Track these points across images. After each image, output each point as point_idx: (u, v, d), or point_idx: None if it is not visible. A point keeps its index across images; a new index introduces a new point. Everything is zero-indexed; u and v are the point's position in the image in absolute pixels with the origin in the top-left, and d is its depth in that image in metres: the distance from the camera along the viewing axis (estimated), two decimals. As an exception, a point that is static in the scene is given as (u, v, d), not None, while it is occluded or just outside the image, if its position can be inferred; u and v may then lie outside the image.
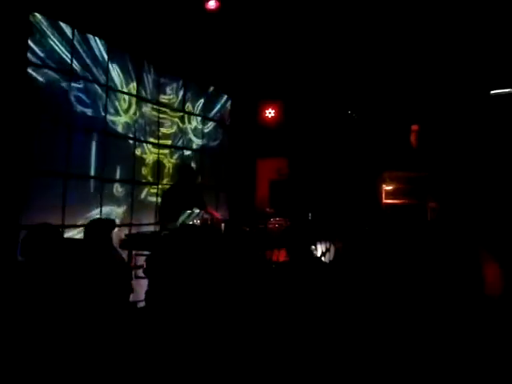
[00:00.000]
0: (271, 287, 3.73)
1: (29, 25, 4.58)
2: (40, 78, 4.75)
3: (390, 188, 8.12)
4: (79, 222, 5.03)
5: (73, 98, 5.12)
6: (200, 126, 7.31)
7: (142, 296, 4.61)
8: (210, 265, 3.92)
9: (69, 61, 5.07)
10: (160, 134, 6.49)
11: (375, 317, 3.40)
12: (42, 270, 3.16)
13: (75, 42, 5.15)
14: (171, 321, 3.38)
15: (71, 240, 4.64)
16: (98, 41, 5.46)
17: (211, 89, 7.53)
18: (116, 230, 4.71)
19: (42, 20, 4.77)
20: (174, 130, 6.77)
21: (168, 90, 6.65)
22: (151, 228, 5.90)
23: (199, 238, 4.33)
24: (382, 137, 8.17)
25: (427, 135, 8.16)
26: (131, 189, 5.94)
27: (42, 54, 4.76)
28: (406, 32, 6.71)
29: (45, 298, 3.06)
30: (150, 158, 6.33)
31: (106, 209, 5.51)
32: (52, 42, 4.89)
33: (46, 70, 4.81)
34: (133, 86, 6.01)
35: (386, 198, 8.08)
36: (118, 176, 5.76)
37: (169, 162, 6.63)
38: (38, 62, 4.72)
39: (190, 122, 7.11)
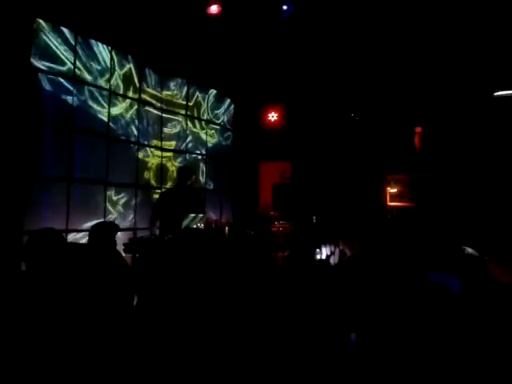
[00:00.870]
0: (276, 291, 3.71)
1: (32, 30, 4.59)
2: (43, 83, 4.76)
3: (394, 191, 8.10)
4: (83, 227, 5.03)
5: (75, 102, 5.12)
6: (203, 130, 7.31)
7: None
8: (213, 268, 3.90)
9: (71, 65, 5.08)
10: (163, 137, 6.49)
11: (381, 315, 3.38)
12: (44, 275, 3.14)
13: (78, 47, 5.16)
14: (175, 325, 3.37)
15: (75, 245, 4.63)
16: (101, 45, 5.47)
17: (214, 93, 7.54)
18: (119, 234, 4.71)
19: (45, 25, 4.79)
20: (177, 134, 6.77)
21: (170, 93, 6.66)
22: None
23: (203, 242, 4.31)
24: (386, 139, 8.16)
25: (431, 137, 8.14)
26: (134, 193, 5.94)
27: (44, 59, 4.76)
28: (409, 35, 6.70)
29: (47, 304, 3.05)
30: (154, 161, 6.33)
31: (109, 213, 5.51)
32: (55, 47, 4.90)
33: (48, 75, 4.82)
34: (135, 90, 6.02)
35: (390, 201, 8.07)
36: (121, 180, 5.76)
37: (172, 166, 6.63)
38: (41, 67, 4.73)
39: (193, 126, 7.12)
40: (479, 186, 7.25)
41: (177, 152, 6.74)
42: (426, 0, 6.04)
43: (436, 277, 3.18)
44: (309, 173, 8.11)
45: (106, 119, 5.54)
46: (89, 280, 3.41)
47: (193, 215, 5.03)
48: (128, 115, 5.90)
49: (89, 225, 5.07)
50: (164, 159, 6.50)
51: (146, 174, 6.23)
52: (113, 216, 5.55)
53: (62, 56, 4.98)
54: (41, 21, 4.73)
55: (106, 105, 5.54)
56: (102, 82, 5.49)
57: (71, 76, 5.07)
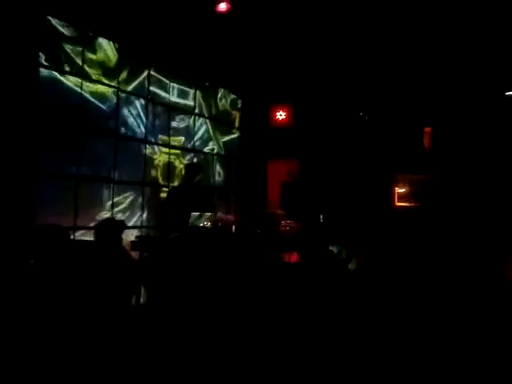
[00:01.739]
0: (283, 289, 3.69)
1: (40, 27, 4.59)
2: (51, 80, 4.76)
3: (402, 191, 8.04)
4: (90, 224, 5.03)
5: (83, 100, 5.12)
6: (210, 128, 7.29)
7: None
8: (220, 266, 3.89)
9: (80, 62, 5.08)
10: (171, 135, 6.48)
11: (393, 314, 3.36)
12: (51, 271, 3.15)
13: (86, 44, 5.16)
14: (181, 321, 3.36)
15: (81, 242, 4.64)
16: (108, 43, 5.46)
17: (222, 91, 7.52)
18: (126, 232, 4.70)
19: (54, 22, 4.79)
20: (184, 132, 6.76)
21: (179, 91, 6.64)
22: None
23: (209, 240, 4.30)
24: (395, 139, 8.10)
25: (440, 137, 8.07)
26: (141, 190, 5.93)
27: (52, 56, 4.76)
28: (420, 34, 6.64)
29: (54, 299, 3.05)
30: (161, 159, 6.33)
31: (116, 210, 5.51)
32: (63, 44, 4.90)
33: (56, 72, 4.82)
34: (143, 87, 6.01)
35: (398, 201, 8.00)
36: (128, 177, 5.75)
37: (180, 164, 6.62)
38: (49, 64, 4.73)
39: (200, 124, 7.10)
40: (489, 187, 7.17)
41: (184, 150, 6.73)
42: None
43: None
44: (317, 171, 8.07)
45: (113, 116, 5.53)
46: (94, 276, 3.41)
47: (199, 213, 5.01)
48: (135, 112, 5.89)
49: (96, 222, 5.10)
50: (172, 157, 6.49)
51: (154, 172, 6.22)
52: (119, 213, 5.55)
53: (69, 52, 4.97)
54: (50, 17, 4.72)
55: (113, 102, 5.53)
56: (109, 80, 5.48)
57: (78, 73, 5.06)
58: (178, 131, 6.63)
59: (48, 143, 4.68)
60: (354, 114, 8.26)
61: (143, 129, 5.99)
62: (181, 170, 6.56)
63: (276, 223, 5.67)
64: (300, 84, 7.79)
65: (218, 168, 7.39)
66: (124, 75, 5.69)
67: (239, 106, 7.94)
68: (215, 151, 7.37)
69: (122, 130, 5.67)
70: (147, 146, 6.06)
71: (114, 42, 5.50)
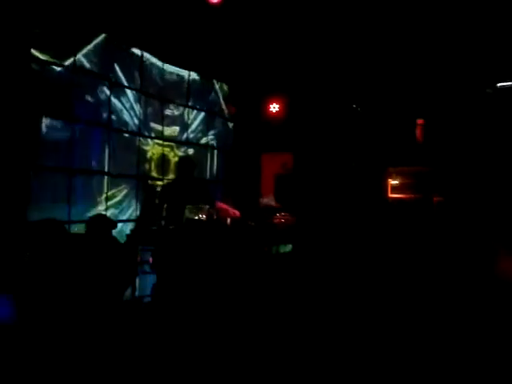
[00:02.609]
0: (275, 281, 3.71)
1: (32, 19, 4.54)
2: (44, 73, 4.72)
3: (395, 183, 8.08)
4: (85, 218, 5.03)
5: (76, 93, 5.09)
6: (204, 121, 7.27)
7: (148, 291, 4.61)
8: (215, 259, 3.90)
9: (72, 55, 5.04)
10: (164, 128, 6.46)
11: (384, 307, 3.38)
12: (46, 264, 3.14)
13: (78, 37, 5.11)
14: (177, 314, 3.37)
15: (76, 235, 4.62)
16: (99, 34, 5.41)
17: (215, 82, 7.49)
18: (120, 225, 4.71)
19: (46, 14, 4.73)
20: (177, 125, 6.74)
21: (171, 83, 6.61)
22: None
23: (205, 233, 4.31)
24: (388, 131, 8.12)
25: (433, 129, 8.10)
26: (136, 184, 5.92)
27: (45, 49, 4.71)
28: (411, 26, 6.65)
29: (48, 292, 3.05)
30: (155, 152, 6.31)
31: (110, 204, 5.49)
32: (55, 37, 4.85)
33: (49, 65, 4.78)
34: (136, 79, 5.97)
35: (391, 193, 8.04)
36: (122, 171, 5.73)
37: (173, 157, 6.61)
38: (42, 57, 4.69)
39: (194, 116, 7.08)
40: (482, 179, 7.22)
41: (178, 143, 6.72)
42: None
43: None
44: (311, 164, 8.08)
45: (106, 109, 5.50)
46: (88, 269, 3.41)
47: (194, 206, 5.01)
48: (129, 105, 5.86)
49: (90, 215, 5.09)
50: (165, 150, 6.47)
51: (147, 165, 6.20)
52: (113, 207, 5.53)
53: (62, 45, 4.92)
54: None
55: (106, 94, 5.49)
56: (101, 71, 5.43)
57: (71, 66, 5.01)
58: (170, 123, 6.60)
59: (40, 136, 4.64)
60: (347, 107, 8.27)
61: (136, 121, 5.96)
62: (174, 163, 6.55)
63: (270, 216, 5.70)
64: (293, 76, 7.77)
65: (211, 161, 7.38)
66: (114, 66, 5.64)
67: (233, 98, 7.91)
68: (209, 143, 7.36)
69: (115, 122, 5.64)
70: (141, 139, 6.04)
71: (104, 33, 5.43)
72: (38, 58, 4.62)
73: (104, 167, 5.44)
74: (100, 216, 4.08)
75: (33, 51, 4.55)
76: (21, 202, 4.25)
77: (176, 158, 6.57)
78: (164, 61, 6.41)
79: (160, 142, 6.40)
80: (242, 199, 7.50)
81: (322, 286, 3.75)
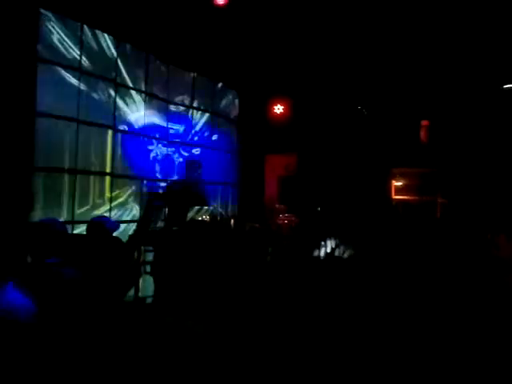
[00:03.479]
0: (277, 283, 3.71)
1: (37, 20, 4.56)
2: (48, 73, 4.73)
3: (399, 184, 8.06)
4: (88, 219, 5.04)
5: (81, 94, 5.10)
6: (209, 122, 7.28)
7: (151, 292, 4.61)
8: (218, 260, 3.90)
9: (77, 56, 5.06)
10: (169, 129, 6.47)
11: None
12: (49, 265, 3.15)
13: (83, 38, 5.13)
14: (179, 313, 3.37)
15: (77, 236, 4.63)
16: (106, 36, 5.43)
17: (220, 85, 7.50)
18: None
19: (50, 16, 4.75)
20: (182, 126, 6.75)
21: (177, 85, 6.62)
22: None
23: (208, 234, 4.32)
24: (392, 132, 8.11)
25: (437, 131, 8.08)
26: (140, 185, 5.93)
27: (50, 49, 4.73)
28: (416, 28, 6.62)
29: (50, 293, 3.05)
30: (159, 154, 6.32)
31: (114, 205, 5.51)
32: (60, 38, 4.87)
33: (53, 65, 4.79)
34: (141, 81, 5.99)
35: (395, 194, 8.03)
36: (126, 172, 5.75)
37: (178, 159, 6.62)
38: (46, 57, 4.70)
39: (199, 118, 7.09)
40: (487, 180, 7.19)
41: (183, 144, 6.73)
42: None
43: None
44: (314, 165, 8.07)
45: (111, 110, 5.51)
46: (91, 270, 3.42)
47: (198, 207, 5.03)
48: (134, 106, 5.88)
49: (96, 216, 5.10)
50: (170, 152, 6.48)
51: (152, 166, 6.21)
52: (116, 208, 5.55)
53: (67, 46, 4.94)
54: (45, 11, 4.68)
55: (111, 96, 5.51)
56: (106, 73, 5.46)
57: (76, 67, 5.03)
58: (176, 125, 6.62)
59: (42, 136, 4.65)
60: (351, 108, 8.26)
61: (141, 122, 5.97)
62: (179, 164, 6.56)
63: (274, 217, 5.70)
64: (298, 78, 7.77)
65: (215, 162, 7.38)
66: (121, 68, 5.66)
67: (237, 100, 7.92)
68: (213, 145, 7.36)
69: (119, 122, 5.65)
70: (145, 139, 6.06)
71: (111, 35, 5.45)
72: (41, 57, 4.61)
73: (107, 168, 5.44)
74: (100, 218, 4.07)
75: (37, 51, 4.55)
76: (22, 204, 4.25)
77: (180, 160, 6.59)
78: (172, 64, 6.42)
79: (165, 143, 6.42)
80: (245, 200, 7.51)
81: (326, 285, 3.74)
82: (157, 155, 6.29)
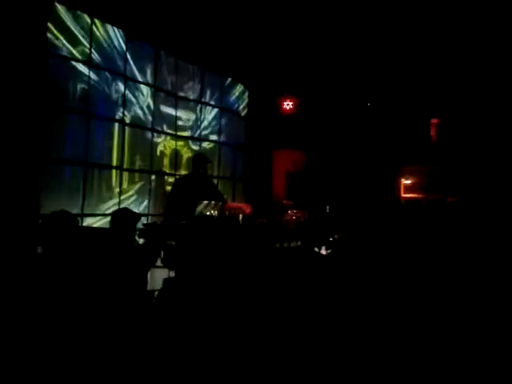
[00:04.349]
0: (284, 279, 3.70)
1: (49, 14, 4.57)
2: (59, 67, 4.74)
3: (408, 182, 8.03)
4: (98, 212, 5.06)
5: (91, 88, 5.11)
6: (217, 117, 7.27)
7: (159, 285, 4.62)
8: (227, 256, 3.90)
9: (88, 50, 5.06)
10: (177, 124, 6.47)
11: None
12: (59, 258, 3.16)
13: (94, 32, 5.13)
14: (188, 309, 3.37)
15: (89, 228, 4.65)
16: (116, 30, 5.43)
17: (229, 80, 7.49)
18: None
19: (62, 10, 4.76)
20: (191, 121, 6.74)
21: (185, 80, 6.62)
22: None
23: (216, 229, 4.31)
24: (401, 130, 8.07)
25: (447, 129, 8.04)
26: (149, 179, 5.94)
27: (61, 43, 4.74)
28: (427, 24, 6.58)
29: (62, 287, 3.07)
30: (168, 148, 6.32)
31: (123, 197, 5.52)
32: (71, 32, 4.87)
33: (65, 59, 4.80)
34: (151, 75, 5.99)
35: (404, 192, 7.99)
36: (136, 166, 5.76)
37: (186, 153, 6.62)
38: (58, 52, 4.71)
39: (207, 113, 7.08)
40: (498, 178, 7.14)
41: (191, 139, 6.73)
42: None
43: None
44: (323, 162, 8.06)
45: (121, 104, 5.52)
46: (102, 264, 3.43)
47: (206, 202, 5.03)
48: (143, 101, 5.88)
49: (104, 210, 5.12)
50: (178, 146, 6.49)
51: (161, 161, 6.22)
52: (127, 201, 5.56)
53: (78, 40, 4.95)
54: (57, 4, 4.70)
55: (121, 90, 5.52)
56: (116, 67, 5.46)
57: (86, 60, 5.04)
58: (184, 120, 6.61)
59: (55, 129, 4.68)
60: (360, 105, 8.23)
61: (150, 117, 5.98)
62: (187, 160, 6.56)
63: (281, 213, 5.69)
64: (307, 74, 7.75)
65: (223, 157, 7.38)
66: (130, 62, 5.66)
67: (246, 95, 7.90)
68: (221, 140, 7.35)
69: (129, 117, 5.66)
70: (155, 134, 6.06)
71: (120, 29, 5.45)
72: (52, 51, 4.62)
73: (117, 161, 5.45)
74: (126, 210, 4.09)
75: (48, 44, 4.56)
76: (34, 196, 4.28)
77: (188, 155, 6.58)
78: (179, 57, 6.41)
79: (174, 138, 6.42)
80: (254, 196, 7.50)
81: (332, 283, 3.72)
82: (166, 150, 6.29)
